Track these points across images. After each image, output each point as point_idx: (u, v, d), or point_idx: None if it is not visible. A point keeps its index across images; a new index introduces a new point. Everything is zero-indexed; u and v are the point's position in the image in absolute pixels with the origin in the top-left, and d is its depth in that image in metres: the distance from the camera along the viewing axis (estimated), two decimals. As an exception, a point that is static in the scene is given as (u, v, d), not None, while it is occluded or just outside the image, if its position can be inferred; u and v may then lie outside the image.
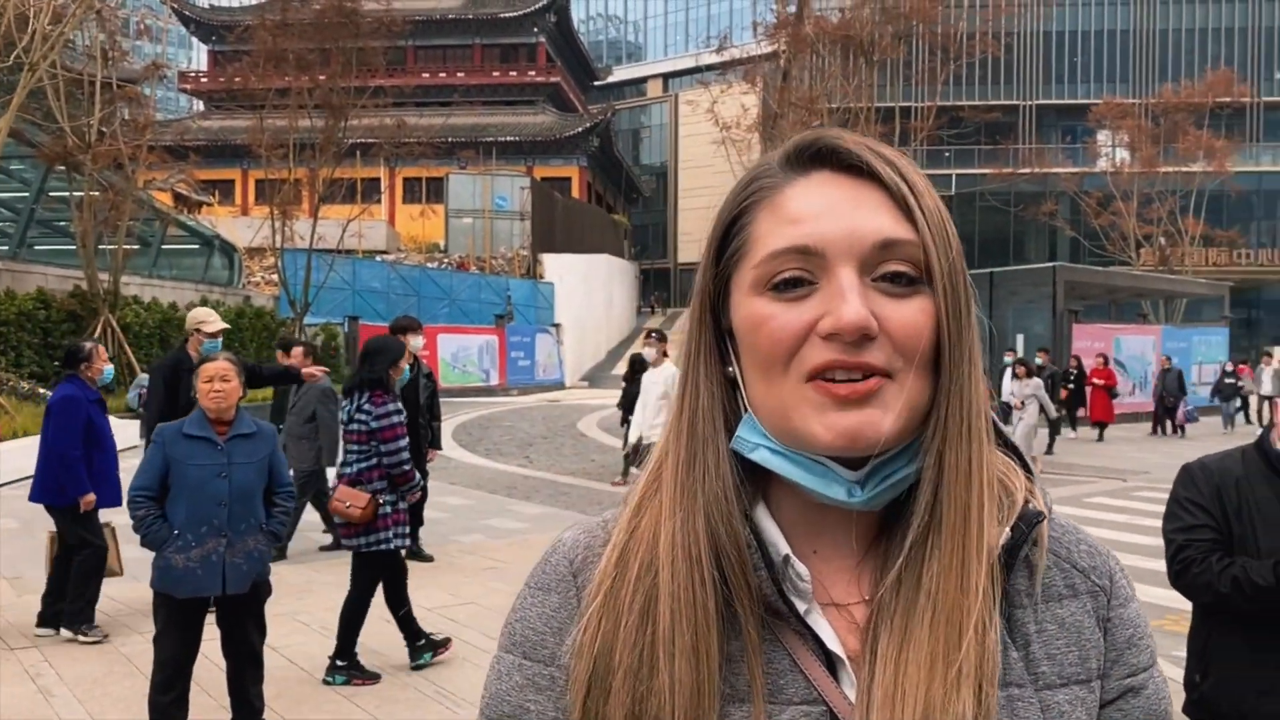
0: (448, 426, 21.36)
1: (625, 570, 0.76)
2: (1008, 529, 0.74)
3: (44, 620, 5.93)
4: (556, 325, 34.88)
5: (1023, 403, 13.85)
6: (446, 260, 37.45)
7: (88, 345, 6.20)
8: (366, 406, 5.25)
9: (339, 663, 5.16)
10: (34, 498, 5.99)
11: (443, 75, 53.14)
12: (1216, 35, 48.84)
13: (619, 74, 72.03)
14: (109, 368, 6.37)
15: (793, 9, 25.83)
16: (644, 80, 73.69)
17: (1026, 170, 37.39)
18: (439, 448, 8.77)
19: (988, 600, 0.71)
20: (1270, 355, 23.64)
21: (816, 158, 0.75)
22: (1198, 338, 26.53)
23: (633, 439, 8.82)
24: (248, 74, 25.90)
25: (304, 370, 7.44)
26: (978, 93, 41.92)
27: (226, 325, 7.27)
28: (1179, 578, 2.55)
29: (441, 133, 35.40)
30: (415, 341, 7.58)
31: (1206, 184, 36.44)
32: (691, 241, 64.15)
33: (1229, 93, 36.28)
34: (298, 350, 8.37)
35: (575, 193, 50.54)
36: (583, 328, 36.10)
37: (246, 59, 26.89)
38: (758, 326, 0.73)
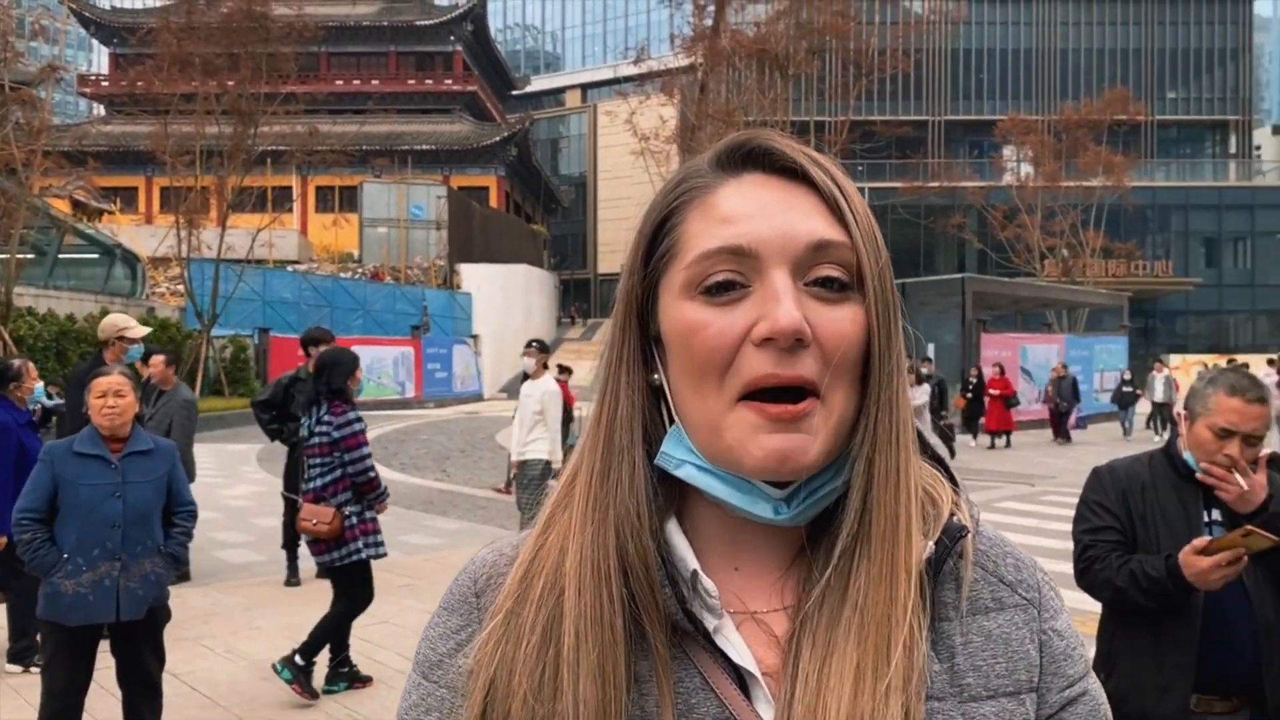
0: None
1: (529, 589, 0.73)
2: (931, 542, 0.72)
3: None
4: (474, 336, 34.52)
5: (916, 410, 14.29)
6: (361, 270, 36.77)
7: (16, 363, 5.75)
8: (327, 418, 5.19)
9: (299, 661, 4.99)
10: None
11: (357, 83, 52.28)
12: (1113, 56, 50.94)
13: (537, 84, 71.89)
14: (39, 385, 6.01)
15: (709, 22, 26.11)
16: (562, 90, 73.68)
17: (936, 184, 38.41)
18: None
19: (918, 612, 0.69)
20: (1161, 363, 23.65)
21: (748, 159, 0.74)
22: (1099, 346, 27.53)
23: (514, 456, 8.50)
24: (151, 78, 25.07)
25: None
26: (888, 108, 42.95)
27: (149, 329, 7.01)
28: (1083, 576, 2.61)
29: (355, 141, 34.80)
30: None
31: (1106, 198, 37.90)
32: (611, 252, 64.31)
33: (1126, 111, 37.83)
34: (157, 359, 7.64)
35: (493, 202, 50.19)
36: (501, 339, 35.76)
37: (150, 62, 26.03)
38: (691, 333, 0.70)
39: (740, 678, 0.71)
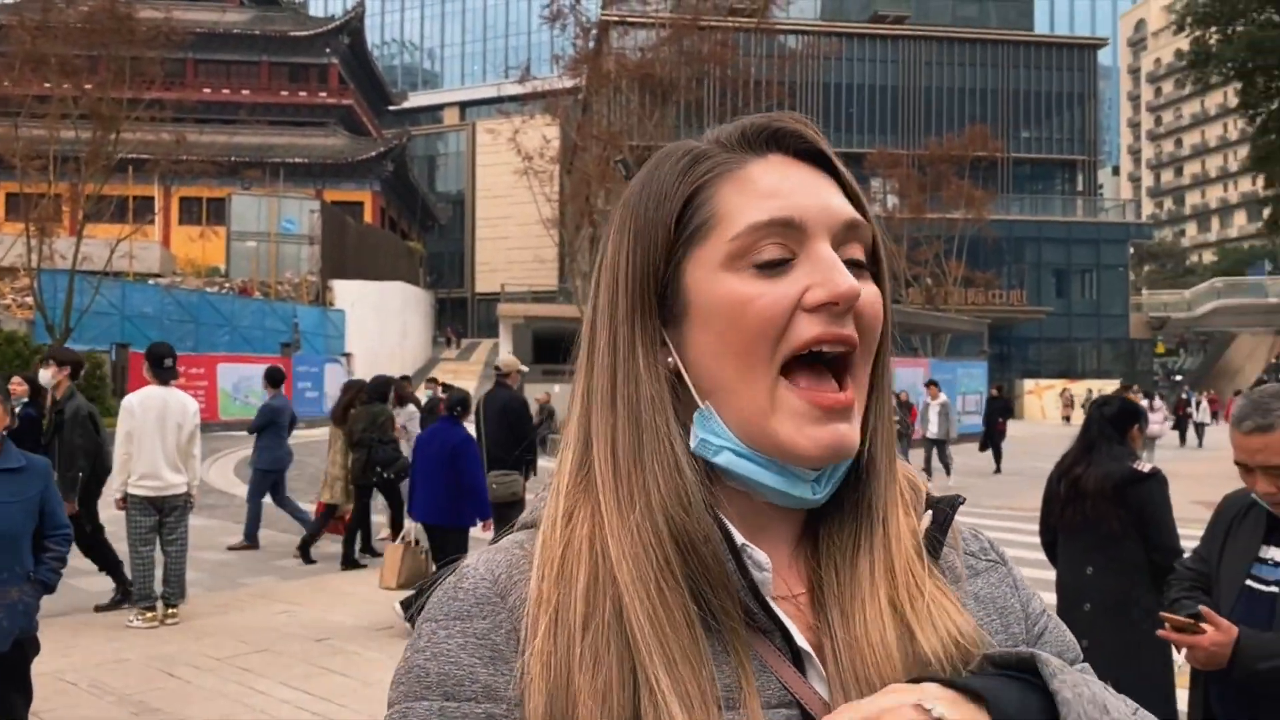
0: (228, 462, 20.07)
1: (570, 587, 0.68)
2: (929, 513, 0.76)
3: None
4: (347, 355, 33.55)
5: None
6: (228, 285, 35.34)
7: None
8: None
9: None
10: None
11: (226, 91, 50.44)
12: (973, 95, 53.64)
13: (415, 100, 70.90)
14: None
15: (593, 45, 26.28)
16: (441, 108, 72.86)
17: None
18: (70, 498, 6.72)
19: (926, 571, 0.73)
20: (935, 386, 18.27)
21: (773, 140, 0.75)
22: (961, 370, 28.81)
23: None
24: (1, 76, 23.57)
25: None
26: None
27: None
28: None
29: (224, 151, 33.57)
30: (43, 374, 7.23)
31: (967, 230, 39.81)
32: (490, 271, 63.74)
33: (985, 147, 39.88)
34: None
35: (368, 218, 49.08)
36: (375, 358, 34.84)
37: (0, 60, 24.49)
38: (744, 304, 0.69)
39: (793, 654, 0.70)
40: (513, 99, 30.21)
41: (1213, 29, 22.97)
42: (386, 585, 6.95)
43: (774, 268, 0.70)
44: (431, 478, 6.60)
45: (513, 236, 61.55)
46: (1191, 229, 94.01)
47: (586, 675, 0.65)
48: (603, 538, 0.69)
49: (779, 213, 0.70)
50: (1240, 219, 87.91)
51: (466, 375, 37.45)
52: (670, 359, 0.73)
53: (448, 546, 6.64)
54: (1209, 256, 79.63)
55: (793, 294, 0.69)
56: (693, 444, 0.72)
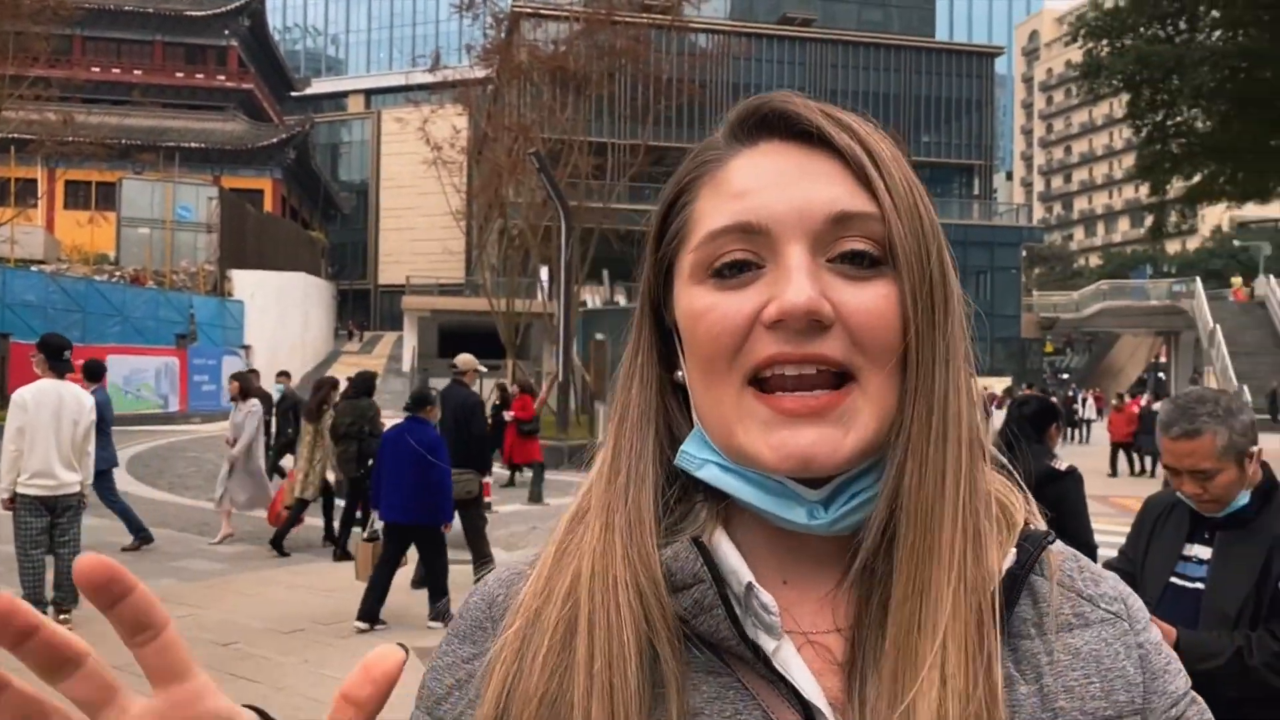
0: (120, 457, 19.23)
1: (550, 590, 0.66)
2: (1012, 550, 0.65)
3: None
4: (246, 347, 32.54)
5: None
6: (119, 273, 33.87)
7: None
8: None
9: None
10: None
11: (117, 71, 48.37)
12: (877, 98, 54.91)
13: (318, 86, 69.19)
14: None
15: (504, 35, 25.99)
16: (345, 95, 71.22)
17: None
18: None
19: (988, 632, 0.61)
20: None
21: (763, 125, 0.67)
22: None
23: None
24: None
25: None
26: (674, 134, 44.37)
27: None
28: None
29: (115, 133, 32.17)
30: None
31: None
32: (394, 263, 62.62)
33: (889, 150, 40.86)
34: None
35: (268, 206, 47.70)
36: (275, 350, 33.87)
37: None
38: (698, 318, 0.64)
39: (804, 707, 0.62)
40: (422, 88, 29.69)
41: (1104, 41, 23.97)
42: (363, 579, 6.93)
43: (734, 276, 0.64)
44: (401, 477, 6.57)
45: (418, 228, 60.58)
46: (1079, 233, 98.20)
47: (541, 677, 0.63)
48: (583, 552, 0.67)
49: (739, 217, 0.64)
50: (1124, 224, 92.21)
51: (369, 369, 36.72)
52: (679, 374, 0.70)
53: (420, 545, 6.76)
54: (1095, 260, 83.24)
55: (747, 309, 0.63)
56: (676, 458, 0.68)
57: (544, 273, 30.72)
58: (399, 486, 6.56)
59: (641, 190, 36.63)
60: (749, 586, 0.64)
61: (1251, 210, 30.88)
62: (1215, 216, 42.96)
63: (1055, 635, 0.66)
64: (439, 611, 6.76)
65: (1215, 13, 22.57)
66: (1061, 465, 4.07)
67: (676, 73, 25.72)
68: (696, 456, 0.67)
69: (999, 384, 38.34)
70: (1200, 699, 0.70)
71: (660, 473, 0.68)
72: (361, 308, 62.11)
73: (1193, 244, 65.47)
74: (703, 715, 0.62)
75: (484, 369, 9.31)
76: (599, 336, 28.24)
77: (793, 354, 0.61)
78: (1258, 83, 21.76)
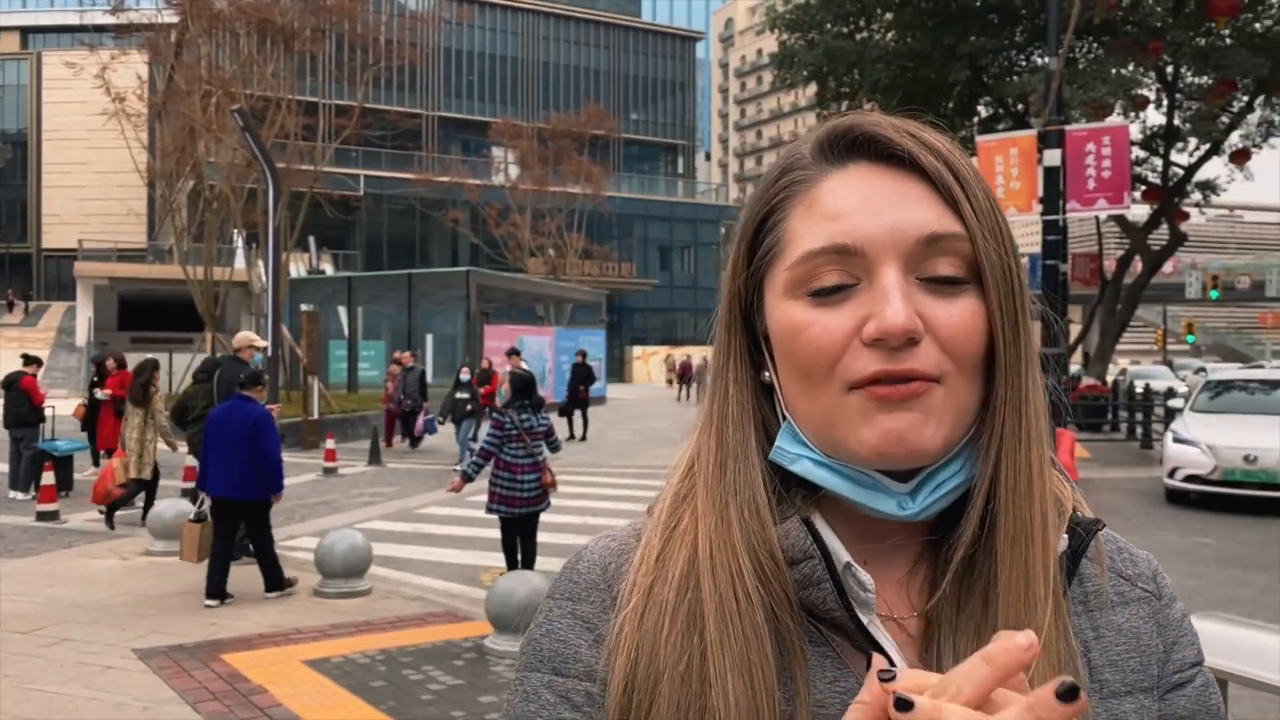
0: None
1: (665, 570, 0.71)
2: (1065, 535, 0.72)
3: None
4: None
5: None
6: None
7: None
8: None
9: None
10: None
11: None
12: (589, 74, 56.00)
13: (-41, 19, 59.96)
14: None
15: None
16: (-5, 31, 62.30)
17: (445, 179, 39.28)
18: None
19: (1060, 609, 0.69)
20: (517, 355, 14.30)
21: (853, 147, 0.71)
22: (583, 337, 30.21)
23: None
24: None
25: None
26: (384, 98, 42.82)
27: None
28: None
29: None
30: None
31: (586, 204, 41.61)
32: (61, 224, 55.92)
33: (602, 126, 41.83)
34: None
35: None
36: (-84, 322, 29.32)
37: None
38: (796, 333, 0.69)
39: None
40: (99, 29, 26.56)
41: (796, 35, 25.86)
42: (188, 559, 7.15)
43: (832, 294, 0.68)
44: (229, 453, 6.82)
45: (90, 185, 54.45)
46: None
47: (672, 658, 0.68)
48: (698, 536, 0.72)
49: (835, 239, 0.68)
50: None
51: (35, 344, 32.69)
52: (765, 374, 0.74)
53: (249, 519, 7.04)
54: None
55: (846, 325, 0.67)
56: (772, 453, 0.73)
57: (238, 238, 28.68)
58: (229, 463, 6.81)
59: (347, 153, 35.08)
60: (847, 565, 0.69)
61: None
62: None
63: (1100, 613, 0.74)
64: (277, 581, 7.02)
65: (889, 15, 24.99)
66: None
67: (390, 34, 24.82)
68: (790, 451, 0.72)
69: (701, 352, 40.55)
70: (1209, 673, 0.78)
71: (770, 467, 0.73)
72: (22, 275, 55.02)
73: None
74: (792, 678, 0.68)
75: (262, 343, 9.14)
76: (307, 307, 26.89)
77: (894, 370, 0.65)
78: (921, 81, 24.39)
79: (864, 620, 0.68)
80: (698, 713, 0.66)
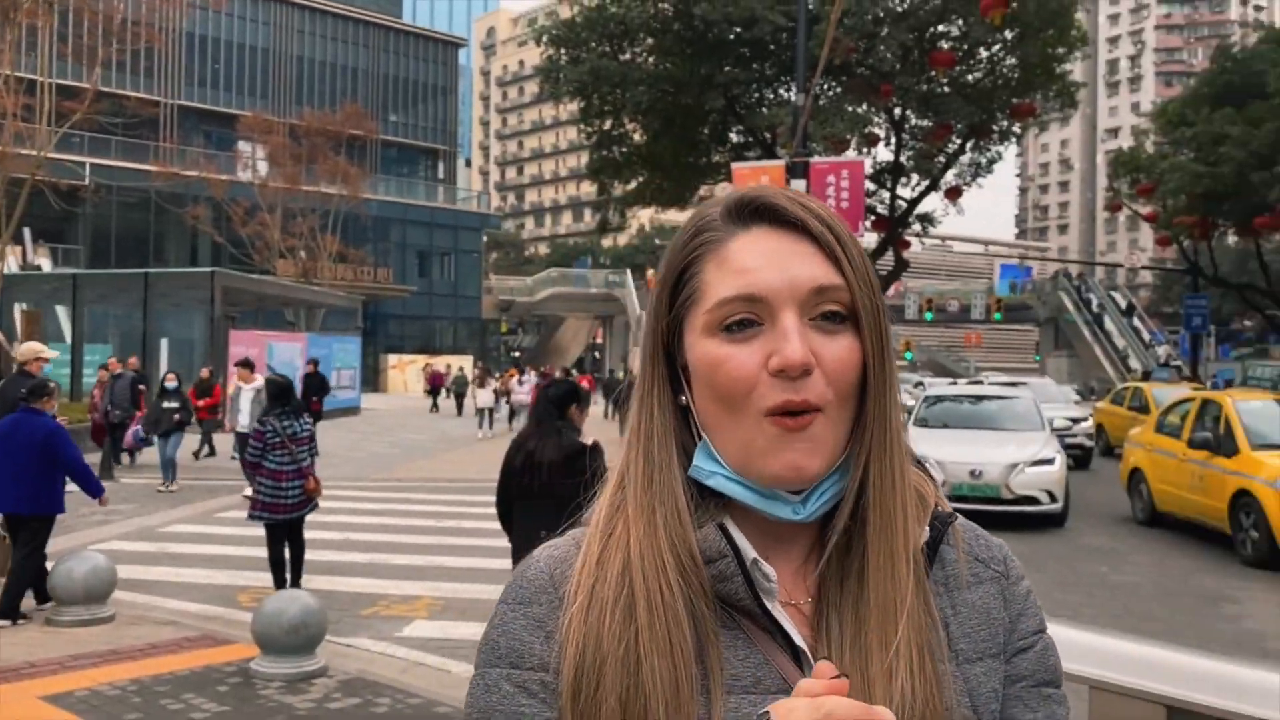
0: None
1: (604, 570, 0.85)
2: (926, 528, 0.87)
3: None
4: None
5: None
6: None
7: None
8: None
9: None
10: None
11: None
12: (346, 72, 54.03)
13: None
14: None
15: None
16: None
17: (193, 173, 36.55)
18: None
19: (922, 585, 0.85)
20: (248, 369, 14.18)
21: (755, 213, 0.86)
22: (337, 344, 29.11)
23: None
24: None
25: None
26: (118, 81, 39.35)
27: None
28: None
29: None
30: None
31: (342, 206, 40.11)
32: None
33: (359, 125, 40.52)
34: None
35: None
36: None
37: None
38: (716, 366, 0.83)
39: (793, 651, 0.84)
40: None
41: (562, 51, 26.29)
42: None
43: (743, 328, 0.83)
44: (20, 468, 6.65)
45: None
46: (530, 223, 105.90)
47: (613, 645, 0.81)
48: (630, 539, 0.87)
49: (744, 289, 0.83)
50: (567, 218, 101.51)
51: None
52: (683, 397, 0.89)
53: (39, 534, 6.81)
54: (544, 249, 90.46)
55: (756, 359, 0.82)
56: (690, 470, 0.87)
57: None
58: (19, 478, 6.64)
59: (69, 139, 31.92)
60: (754, 561, 0.83)
61: (673, 215, 36.05)
62: (642, 216, 49.33)
63: (958, 592, 0.89)
64: (13, 608, 6.58)
65: (650, 40, 25.93)
66: (588, 440, 4.66)
67: (131, 14, 22.95)
68: (705, 469, 0.86)
69: (463, 362, 40.14)
70: (1051, 638, 0.94)
71: (684, 476, 0.87)
72: None
73: (623, 239, 74.21)
74: (708, 656, 0.82)
75: (51, 354, 8.33)
76: (24, 306, 24.28)
77: (793, 401, 0.81)
78: (679, 106, 25.47)
79: (769, 606, 0.83)
80: (634, 689, 0.79)
